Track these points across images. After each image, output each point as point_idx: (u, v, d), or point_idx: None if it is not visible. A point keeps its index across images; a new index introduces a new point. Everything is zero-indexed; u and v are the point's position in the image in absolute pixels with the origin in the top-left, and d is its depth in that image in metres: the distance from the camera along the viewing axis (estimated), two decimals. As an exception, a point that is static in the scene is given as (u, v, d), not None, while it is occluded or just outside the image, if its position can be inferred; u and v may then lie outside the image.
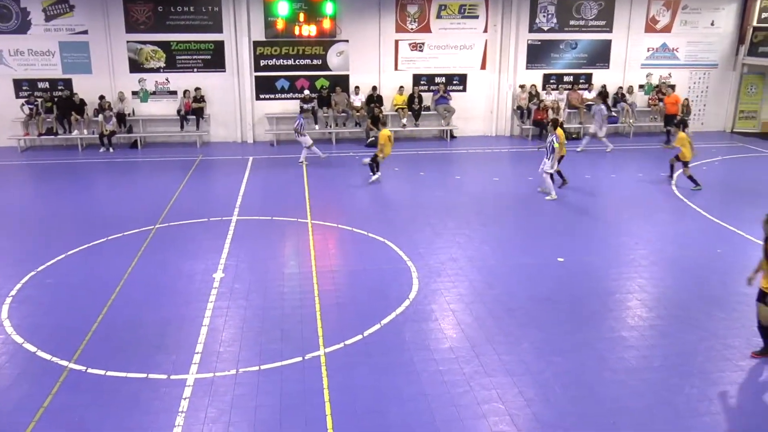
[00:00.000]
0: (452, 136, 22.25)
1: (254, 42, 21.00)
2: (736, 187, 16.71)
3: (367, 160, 16.63)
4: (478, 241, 12.50)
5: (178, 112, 21.00)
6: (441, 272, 10.89)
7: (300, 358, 8.13)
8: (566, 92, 22.63)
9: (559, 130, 15.36)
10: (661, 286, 10.73)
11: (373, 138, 19.51)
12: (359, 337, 8.67)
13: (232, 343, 8.54)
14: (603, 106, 20.08)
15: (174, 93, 21.24)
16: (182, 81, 21.09)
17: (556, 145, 14.94)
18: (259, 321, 9.14)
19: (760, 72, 23.83)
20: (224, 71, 21.23)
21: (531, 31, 22.22)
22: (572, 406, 7.25)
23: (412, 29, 21.70)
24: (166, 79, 21.15)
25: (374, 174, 16.33)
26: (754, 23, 23.16)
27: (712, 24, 23.42)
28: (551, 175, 15.20)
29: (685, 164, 16.04)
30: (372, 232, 12.70)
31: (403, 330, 8.91)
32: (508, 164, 19.45)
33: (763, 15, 23.23)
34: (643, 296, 10.23)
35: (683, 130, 16.29)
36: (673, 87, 23.32)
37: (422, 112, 21.93)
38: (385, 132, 16.47)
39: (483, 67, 22.32)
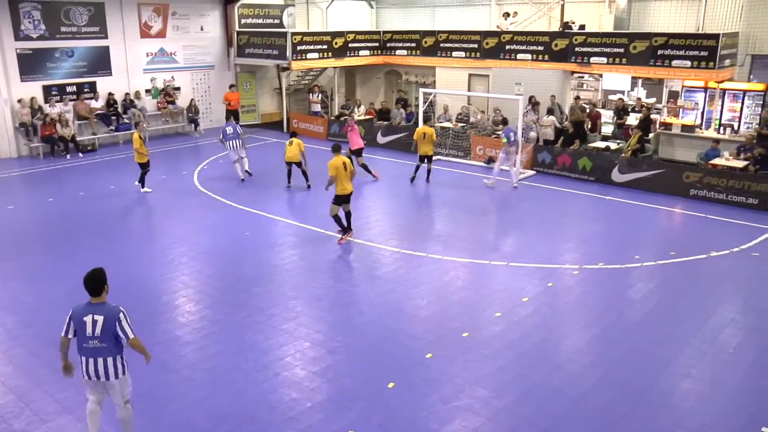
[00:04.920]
0: (-55, 167, 19.23)
1: None
2: (254, 176, 18.24)
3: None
4: (3, 279, 11.16)
5: None
6: (-37, 324, 9.46)
7: None
8: (71, 103, 21.52)
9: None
10: (203, 277, 11.25)
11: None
12: None
13: None
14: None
15: None
16: None
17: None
18: None
19: (251, 71, 26.50)
20: None
21: (18, 39, 20.35)
22: (141, 418, 7.15)
23: None
24: None
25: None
26: (237, 28, 25.49)
27: (202, 29, 24.92)
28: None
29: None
30: None
31: (-73, 402, 7.53)
32: (22, 189, 17.64)
33: (243, 21, 25.73)
34: (188, 292, 10.59)
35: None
36: (178, 89, 24.26)
37: None
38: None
39: (-33, 82, 19.72)
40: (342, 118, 22.28)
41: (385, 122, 23.11)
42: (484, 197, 16.44)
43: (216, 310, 9.92)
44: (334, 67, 25.91)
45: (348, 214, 12.90)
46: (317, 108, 25.49)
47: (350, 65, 26.03)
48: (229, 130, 17.61)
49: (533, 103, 20.26)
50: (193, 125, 24.10)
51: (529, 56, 21.09)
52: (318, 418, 7.20)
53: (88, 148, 21.48)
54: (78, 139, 21.11)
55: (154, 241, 13.05)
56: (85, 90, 22.07)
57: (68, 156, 20.55)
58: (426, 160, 17.35)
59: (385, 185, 17.53)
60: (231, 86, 24.39)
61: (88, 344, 6.15)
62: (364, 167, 17.59)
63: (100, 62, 22.36)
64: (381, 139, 22.09)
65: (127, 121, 22.48)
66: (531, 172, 18.31)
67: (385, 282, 10.91)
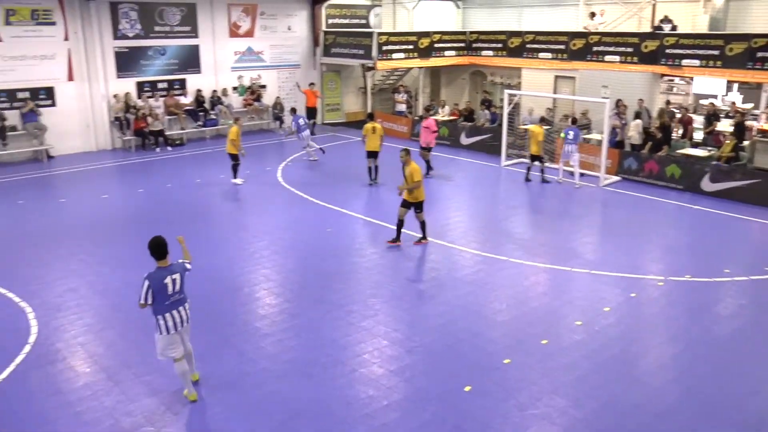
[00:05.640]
0: (49, 156, 20.33)
1: None
2: (334, 172, 18.59)
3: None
4: (97, 264, 11.74)
5: None
6: (61, 306, 9.97)
7: None
8: (162, 99, 22.39)
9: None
10: (284, 271, 11.49)
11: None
12: (-26, 401, 7.51)
13: None
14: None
15: None
16: None
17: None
18: None
19: (336, 70, 26.85)
20: None
21: (116, 38, 21.36)
22: (220, 405, 7.39)
23: (-24, 38, 19.11)
24: None
25: None
26: (324, 28, 25.89)
27: (289, 29, 25.48)
28: None
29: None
30: (-31, 278, 11.00)
31: (28, 379, 7.98)
32: (115, 179, 18.53)
33: (330, 21, 26.12)
34: (269, 285, 10.84)
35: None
36: (264, 87, 24.84)
37: (8, 133, 19.55)
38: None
39: (71, 78, 20.76)
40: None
41: (469, 123, 22.95)
42: (567, 201, 16.09)
43: (296, 304, 10.11)
44: (420, 68, 25.92)
45: (402, 222, 12.53)
46: (402, 108, 25.58)
47: (435, 65, 25.97)
48: (302, 121, 19.99)
49: (619, 107, 19.66)
50: (278, 122, 24.65)
51: (617, 58, 20.48)
52: (393, 416, 7.23)
53: (177, 142, 22.31)
54: (167, 133, 21.95)
55: (237, 234, 13.40)
56: (176, 87, 22.93)
57: (158, 149, 21.41)
58: (532, 160, 17.56)
59: (467, 187, 17.44)
60: (311, 84, 24.76)
61: (169, 300, 7.18)
62: (428, 162, 18.03)
63: (190, 60, 23.18)
64: (465, 140, 21.97)
65: (214, 117, 23.20)
66: (616, 178, 17.80)
67: (464, 284, 10.84)
